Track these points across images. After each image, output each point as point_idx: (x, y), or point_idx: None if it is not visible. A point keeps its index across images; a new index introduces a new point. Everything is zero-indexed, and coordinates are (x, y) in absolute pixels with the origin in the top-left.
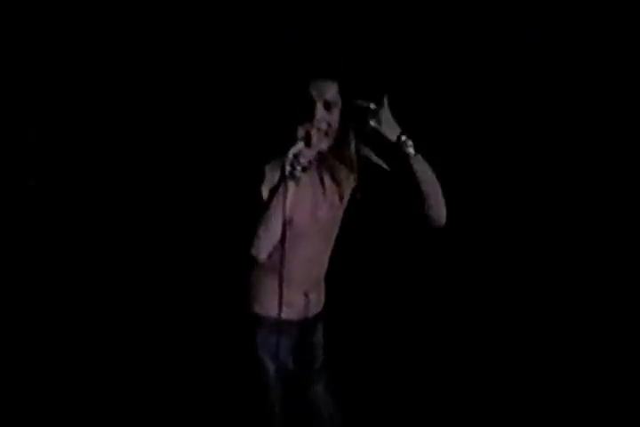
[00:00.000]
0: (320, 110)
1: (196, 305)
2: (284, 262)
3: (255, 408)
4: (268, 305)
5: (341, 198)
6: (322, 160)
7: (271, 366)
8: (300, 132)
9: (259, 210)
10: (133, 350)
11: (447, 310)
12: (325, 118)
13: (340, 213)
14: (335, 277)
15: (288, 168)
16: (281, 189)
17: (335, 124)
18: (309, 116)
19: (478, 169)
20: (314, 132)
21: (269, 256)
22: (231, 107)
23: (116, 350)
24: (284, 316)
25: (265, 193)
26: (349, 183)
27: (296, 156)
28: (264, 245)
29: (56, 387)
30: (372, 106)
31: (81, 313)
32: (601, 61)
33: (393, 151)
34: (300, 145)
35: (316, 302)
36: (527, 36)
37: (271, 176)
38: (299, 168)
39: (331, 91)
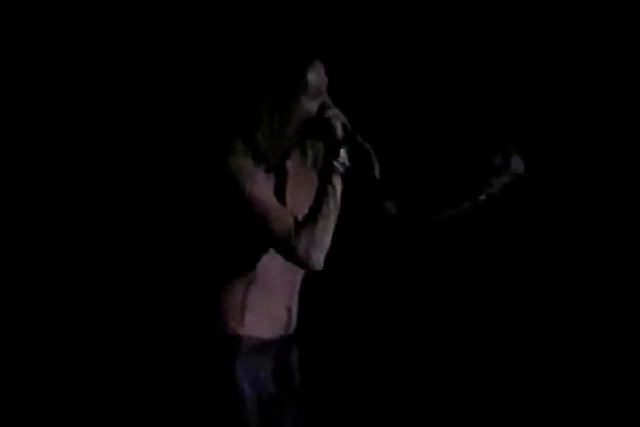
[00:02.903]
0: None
1: (158, 329)
2: (267, 272)
3: None
4: (248, 323)
5: None
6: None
7: (251, 395)
8: (340, 117)
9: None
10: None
11: (421, 321)
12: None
13: None
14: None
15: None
16: (332, 184)
17: None
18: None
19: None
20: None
21: (244, 266)
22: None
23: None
24: (268, 334)
25: (264, 193)
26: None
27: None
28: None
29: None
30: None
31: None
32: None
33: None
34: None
35: (295, 317)
36: None
37: (263, 173)
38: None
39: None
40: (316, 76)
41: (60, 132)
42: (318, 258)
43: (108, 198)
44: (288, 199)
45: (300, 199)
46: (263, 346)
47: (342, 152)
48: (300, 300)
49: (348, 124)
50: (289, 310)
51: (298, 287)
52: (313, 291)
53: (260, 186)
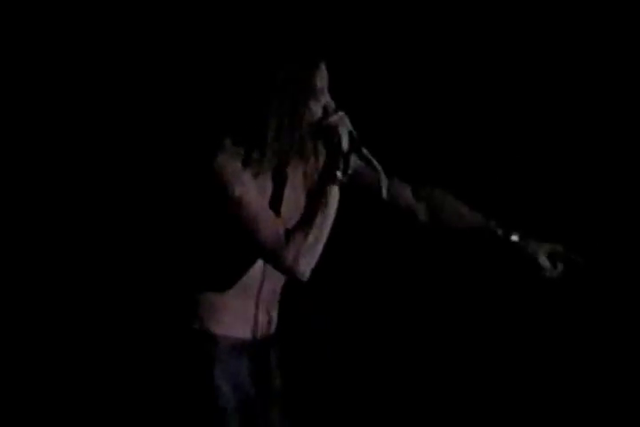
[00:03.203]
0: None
1: (135, 325)
2: (250, 277)
3: None
4: (226, 324)
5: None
6: None
7: (229, 396)
8: (347, 124)
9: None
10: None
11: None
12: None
13: None
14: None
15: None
16: (330, 194)
17: None
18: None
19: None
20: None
21: (227, 269)
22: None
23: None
24: (246, 335)
25: (252, 197)
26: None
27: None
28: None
29: None
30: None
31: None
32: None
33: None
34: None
35: (275, 320)
36: None
37: (254, 177)
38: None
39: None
40: (321, 79)
41: (51, 122)
42: (306, 269)
43: (96, 193)
44: (283, 206)
45: (295, 206)
46: (241, 347)
47: (344, 162)
48: (281, 301)
49: (355, 133)
50: (269, 313)
51: (279, 291)
52: (295, 292)
53: (250, 190)
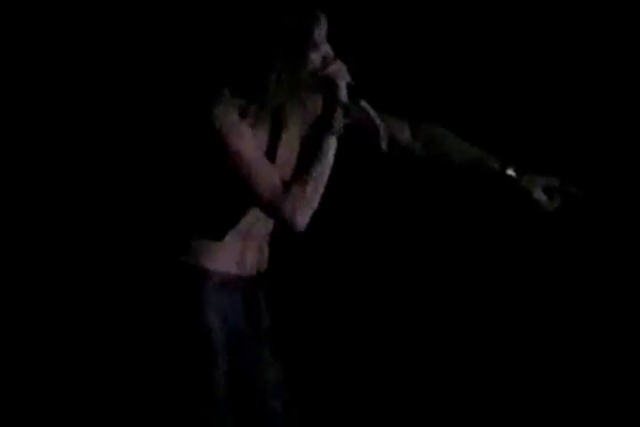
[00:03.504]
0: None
1: (128, 264)
2: (245, 221)
3: (199, 382)
4: (219, 260)
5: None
6: None
7: (221, 335)
8: (345, 74)
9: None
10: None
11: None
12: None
13: None
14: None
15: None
16: (327, 144)
17: None
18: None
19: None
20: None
21: (223, 214)
22: None
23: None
24: (238, 271)
25: (249, 147)
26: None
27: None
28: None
29: None
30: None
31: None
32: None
33: None
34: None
35: (267, 257)
36: None
37: (251, 128)
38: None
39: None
40: (320, 30)
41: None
42: (303, 220)
43: (95, 136)
44: (280, 157)
45: (292, 157)
46: (233, 283)
47: (342, 113)
48: (272, 241)
49: (353, 83)
50: (261, 250)
51: (271, 229)
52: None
53: (247, 142)
